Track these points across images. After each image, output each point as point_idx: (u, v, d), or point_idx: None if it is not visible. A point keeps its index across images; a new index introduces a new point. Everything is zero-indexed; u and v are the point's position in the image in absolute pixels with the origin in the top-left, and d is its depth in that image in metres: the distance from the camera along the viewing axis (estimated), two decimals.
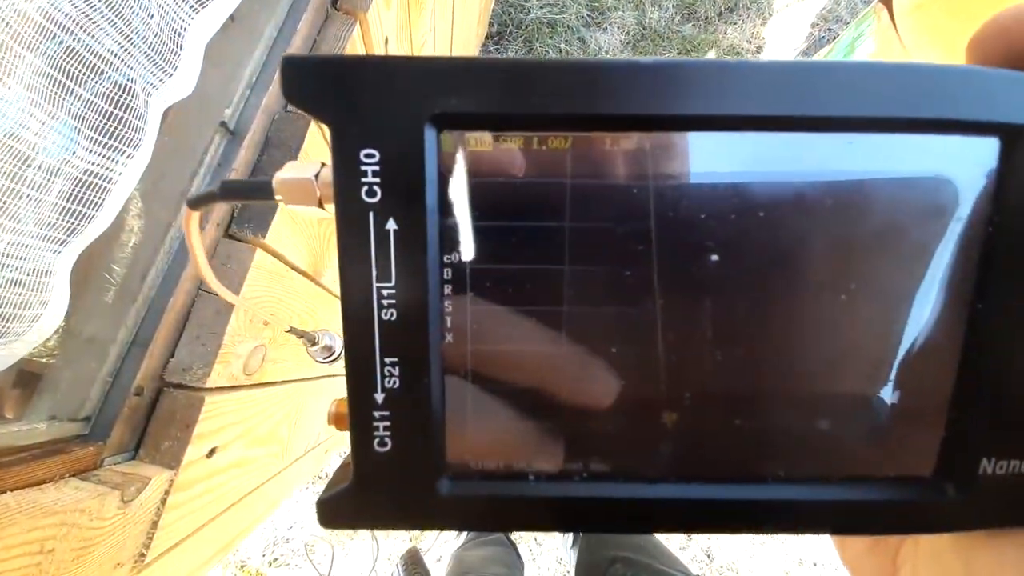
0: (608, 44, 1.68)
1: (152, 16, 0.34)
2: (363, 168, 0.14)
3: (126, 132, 0.34)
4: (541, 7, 1.68)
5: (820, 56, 1.38)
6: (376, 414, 0.15)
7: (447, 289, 0.15)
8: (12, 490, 0.31)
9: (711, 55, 1.69)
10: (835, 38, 1.42)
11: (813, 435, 0.15)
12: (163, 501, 0.41)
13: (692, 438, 0.15)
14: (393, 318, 0.14)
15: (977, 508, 0.15)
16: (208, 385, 0.43)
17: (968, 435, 0.15)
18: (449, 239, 0.14)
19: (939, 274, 0.14)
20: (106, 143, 0.33)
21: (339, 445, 1.04)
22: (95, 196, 0.33)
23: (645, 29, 1.70)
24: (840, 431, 0.15)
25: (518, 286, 0.15)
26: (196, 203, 0.20)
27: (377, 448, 0.15)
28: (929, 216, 0.14)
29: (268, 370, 0.54)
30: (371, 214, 0.14)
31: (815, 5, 1.74)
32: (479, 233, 0.14)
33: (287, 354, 0.58)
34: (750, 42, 1.71)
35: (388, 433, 0.15)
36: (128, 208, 0.41)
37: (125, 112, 0.33)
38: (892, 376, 0.15)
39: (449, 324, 0.15)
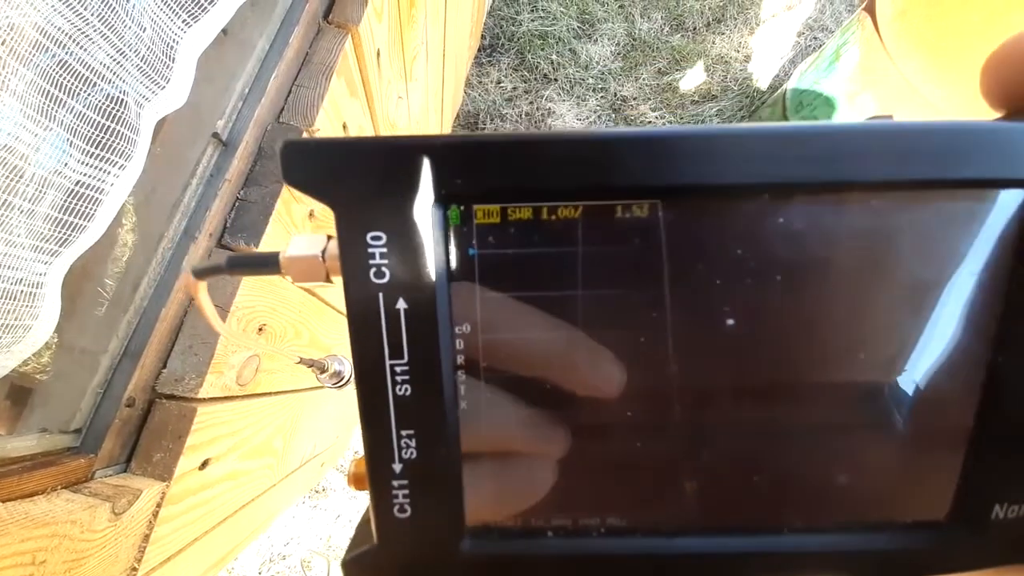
0: (599, 55, 1.70)
1: (145, 29, 0.35)
2: (371, 251, 0.14)
3: (118, 144, 0.34)
4: (532, 20, 1.70)
5: (807, 63, 1.40)
6: (395, 483, 0.15)
7: (460, 359, 0.15)
8: (4, 501, 0.31)
9: (700, 65, 1.72)
10: (820, 46, 1.44)
11: (831, 486, 0.15)
12: (155, 514, 0.41)
13: (710, 493, 0.16)
14: (408, 393, 0.15)
15: (986, 550, 0.15)
16: (201, 396, 0.43)
17: (983, 481, 0.15)
18: (460, 313, 0.15)
19: (961, 326, 0.14)
20: (98, 154, 0.33)
21: (336, 458, 1.03)
22: (87, 207, 0.33)
23: (635, 40, 1.72)
24: (857, 481, 0.15)
25: (532, 356, 0.15)
26: (202, 274, 0.20)
27: (397, 514, 0.15)
28: (952, 264, 0.14)
29: (262, 380, 0.54)
30: (381, 295, 0.14)
31: (800, 14, 1.78)
32: (490, 306, 0.15)
33: (281, 364, 0.58)
34: (738, 51, 1.74)
35: (408, 500, 0.15)
36: (120, 219, 0.41)
37: (117, 124, 0.34)
38: (910, 426, 0.15)
39: (463, 393, 0.15)
